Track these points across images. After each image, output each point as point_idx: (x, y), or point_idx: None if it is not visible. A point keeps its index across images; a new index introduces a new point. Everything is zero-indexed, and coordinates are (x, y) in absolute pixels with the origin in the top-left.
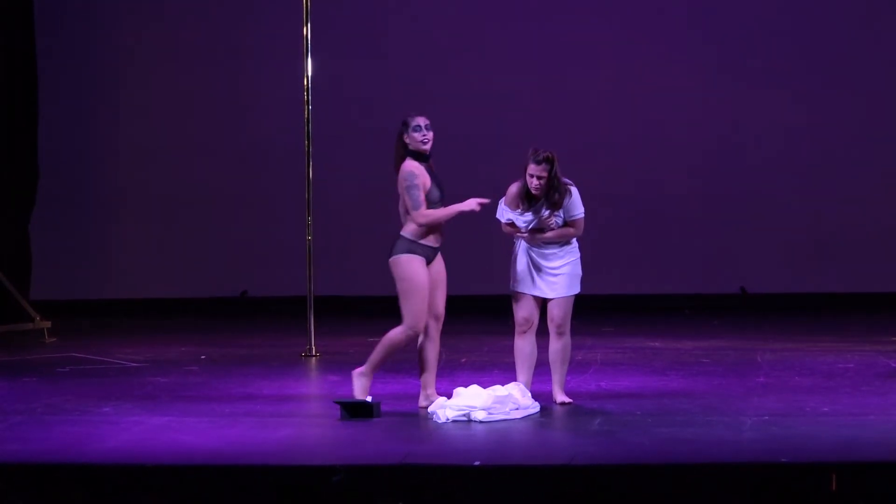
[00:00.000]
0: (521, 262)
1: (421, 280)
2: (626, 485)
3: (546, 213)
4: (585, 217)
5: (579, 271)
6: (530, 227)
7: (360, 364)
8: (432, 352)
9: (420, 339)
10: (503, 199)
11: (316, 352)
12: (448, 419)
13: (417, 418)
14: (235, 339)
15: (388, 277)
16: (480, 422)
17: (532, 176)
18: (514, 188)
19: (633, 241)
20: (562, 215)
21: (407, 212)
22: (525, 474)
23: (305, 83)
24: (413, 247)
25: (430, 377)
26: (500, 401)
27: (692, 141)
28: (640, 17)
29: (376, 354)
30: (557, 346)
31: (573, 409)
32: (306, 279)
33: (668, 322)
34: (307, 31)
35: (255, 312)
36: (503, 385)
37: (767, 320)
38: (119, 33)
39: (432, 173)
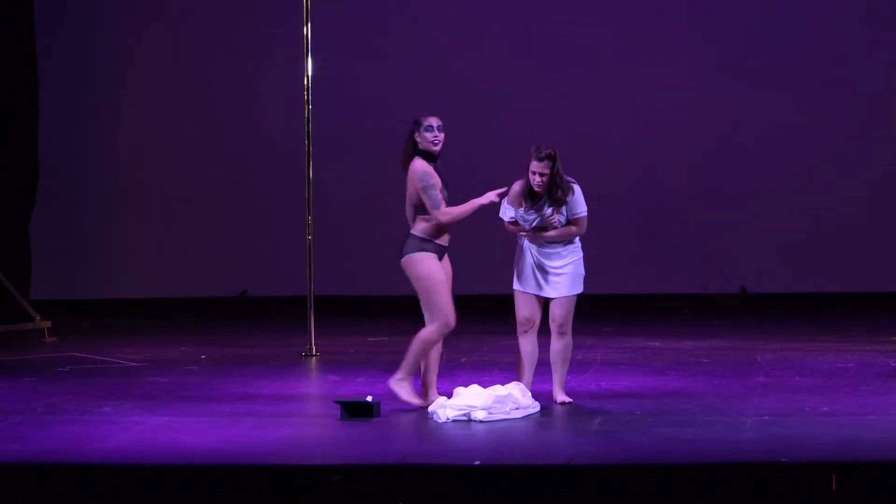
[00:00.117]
0: (524, 262)
1: (439, 275)
2: (626, 485)
3: (549, 210)
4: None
5: (582, 271)
6: (533, 225)
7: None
8: (435, 351)
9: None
10: (506, 197)
11: (316, 352)
12: (448, 419)
13: (417, 418)
14: (235, 339)
15: (387, 277)
16: (480, 421)
17: (534, 173)
18: (517, 186)
19: (633, 241)
20: (565, 213)
21: (416, 211)
22: (525, 474)
23: (305, 83)
24: (425, 245)
25: (431, 377)
26: (501, 400)
27: (692, 141)
28: (640, 17)
29: (410, 356)
30: (559, 345)
31: (573, 409)
32: (306, 279)
33: (668, 322)
34: (307, 31)
35: (255, 312)
36: (503, 385)
37: (767, 320)
38: (119, 33)
39: (439, 173)
